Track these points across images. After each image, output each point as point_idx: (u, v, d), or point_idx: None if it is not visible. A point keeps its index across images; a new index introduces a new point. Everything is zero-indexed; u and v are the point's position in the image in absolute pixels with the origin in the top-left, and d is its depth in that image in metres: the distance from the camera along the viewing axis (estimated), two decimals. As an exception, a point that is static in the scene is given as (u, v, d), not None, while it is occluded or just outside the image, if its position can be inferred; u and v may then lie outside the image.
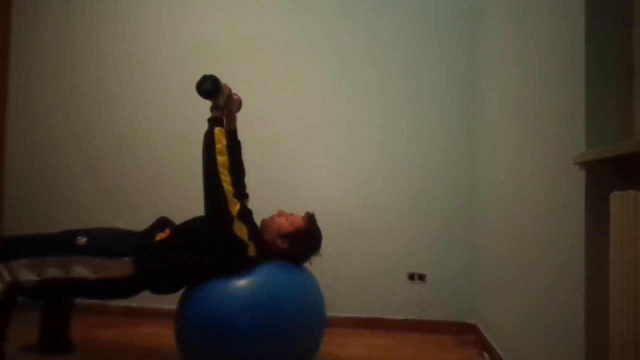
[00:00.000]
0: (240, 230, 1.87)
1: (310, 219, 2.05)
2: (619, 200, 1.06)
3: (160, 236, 1.98)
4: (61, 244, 1.94)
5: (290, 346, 1.86)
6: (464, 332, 2.79)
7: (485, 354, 2.39)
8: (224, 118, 2.06)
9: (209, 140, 1.92)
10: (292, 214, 2.07)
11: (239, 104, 2.27)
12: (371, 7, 3.01)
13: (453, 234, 2.88)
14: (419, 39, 2.97)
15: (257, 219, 2.09)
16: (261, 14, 3.10)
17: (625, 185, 1.13)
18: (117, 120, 3.19)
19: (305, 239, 2.03)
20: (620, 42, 1.29)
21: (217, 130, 1.93)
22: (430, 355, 2.45)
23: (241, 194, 2.10)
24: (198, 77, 1.99)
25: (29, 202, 3.21)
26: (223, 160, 1.89)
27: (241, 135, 2.27)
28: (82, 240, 1.93)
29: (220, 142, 1.91)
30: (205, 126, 1.97)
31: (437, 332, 2.81)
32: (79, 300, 2.24)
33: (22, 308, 1.99)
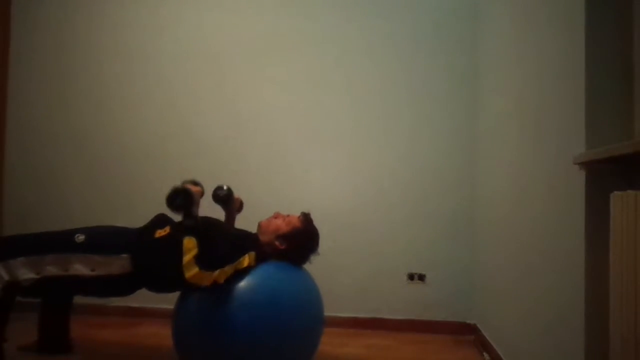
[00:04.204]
0: (225, 273, 1.82)
1: (306, 218, 2.07)
2: (619, 201, 1.06)
3: (159, 233, 1.98)
4: (60, 242, 1.94)
5: (287, 346, 1.86)
6: (463, 332, 2.79)
7: (485, 354, 2.39)
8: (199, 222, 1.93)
9: (174, 251, 1.80)
10: (288, 215, 2.07)
11: (240, 204, 2.28)
12: (372, 8, 3.01)
13: (453, 234, 2.88)
14: (419, 40, 2.97)
15: (257, 219, 2.09)
16: (261, 14, 3.10)
17: (626, 185, 1.13)
18: (116, 120, 3.19)
19: (303, 238, 2.03)
20: (620, 42, 1.29)
21: (186, 240, 1.81)
22: (431, 356, 2.45)
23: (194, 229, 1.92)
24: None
25: (28, 202, 3.21)
26: (192, 273, 1.76)
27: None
28: (80, 237, 1.93)
29: (190, 253, 1.78)
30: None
31: (437, 332, 2.81)
32: (78, 300, 2.23)
33: (21, 308, 1.99)
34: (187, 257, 1.78)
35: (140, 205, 3.00)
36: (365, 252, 2.94)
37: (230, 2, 3.15)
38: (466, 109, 2.90)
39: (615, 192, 1.09)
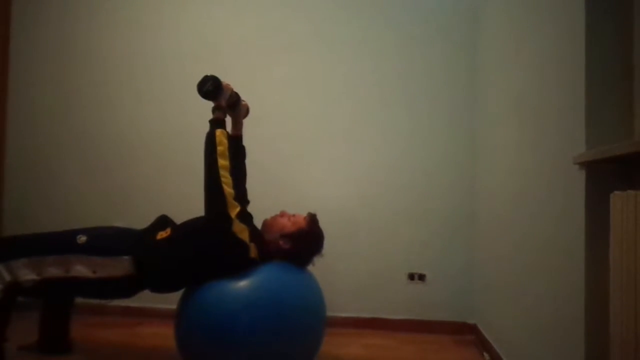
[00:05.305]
0: (242, 231, 1.86)
1: (312, 219, 2.05)
2: (619, 200, 1.06)
3: (161, 235, 1.97)
4: (61, 243, 1.93)
5: (290, 346, 1.86)
6: (464, 332, 2.80)
7: (485, 353, 2.39)
8: (226, 120, 2.04)
9: (210, 142, 1.90)
10: (294, 215, 2.06)
11: (246, 110, 2.27)
12: (371, 8, 3.01)
13: (453, 234, 2.88)
14: (419, 39, 2.97)
15: (258, 219, 2.08)
16: (261, 14, 3.11)
17: (626, 185, 1.13)
18: (117, 120, 3.19)
19: (307, 239, 2.02)
20: (620, 42, 1.29)
21: (218, 132, 1.92)
22: (431, 355, 2.45)
23: (242, 197, 2.09)
24: (198, 77, 1.99)
25: (29, 202, 3.21)
26: (224, 163, 1.87)
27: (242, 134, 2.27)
28: (82, 239, 1.92)
29: (222, 145, 1.89)
30: (206, 126, 1.97)
31: (437, 332, 2.81)
32: (79, 300, 2.23)
33: (22, 308, 1.99)
34: (221, 148, 1.87)
35: (141, 205, 3.02)
36: (365, 252, 2.94)
37: (231, 2, 3.15)
38: (466, 108, 2.90)
39: (615, 192, 1.09)
